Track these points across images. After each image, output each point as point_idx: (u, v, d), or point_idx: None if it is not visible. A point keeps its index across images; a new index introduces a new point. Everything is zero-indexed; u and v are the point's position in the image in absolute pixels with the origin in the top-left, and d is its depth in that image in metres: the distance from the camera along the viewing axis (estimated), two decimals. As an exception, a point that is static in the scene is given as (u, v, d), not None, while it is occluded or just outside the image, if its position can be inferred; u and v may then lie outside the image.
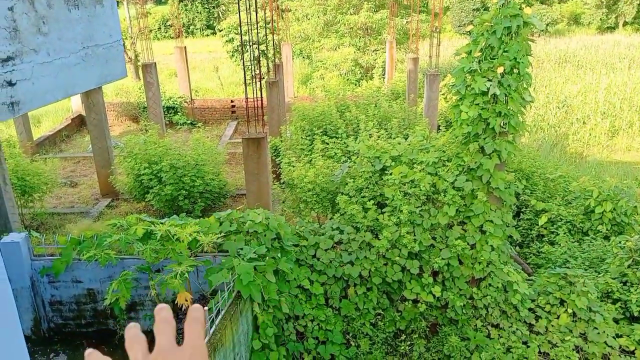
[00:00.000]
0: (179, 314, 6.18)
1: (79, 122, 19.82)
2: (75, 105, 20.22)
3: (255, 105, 8.93)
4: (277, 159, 11.07)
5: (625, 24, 40.16)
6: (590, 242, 9.06)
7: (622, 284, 7.61)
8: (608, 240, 8.75)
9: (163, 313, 0.92)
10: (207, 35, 41.83)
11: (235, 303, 6.03)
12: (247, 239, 6.73)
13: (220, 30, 28.35)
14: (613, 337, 6.99)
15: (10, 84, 2.40)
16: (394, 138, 9.52)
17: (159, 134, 13.19)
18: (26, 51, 2.48)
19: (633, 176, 12.55)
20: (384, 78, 23.54)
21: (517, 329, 7.19)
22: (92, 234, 6.73)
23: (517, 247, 9.80)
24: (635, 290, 7.34)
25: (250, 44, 9.87)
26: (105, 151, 12.89)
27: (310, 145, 11.38)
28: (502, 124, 6.73)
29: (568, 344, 6.90)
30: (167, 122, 19.15)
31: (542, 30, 35.84)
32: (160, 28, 40.75)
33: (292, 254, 7.04)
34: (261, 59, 11.93)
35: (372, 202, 7.61)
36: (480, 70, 6.66)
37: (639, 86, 24.70)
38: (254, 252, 6.33)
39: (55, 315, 7.16)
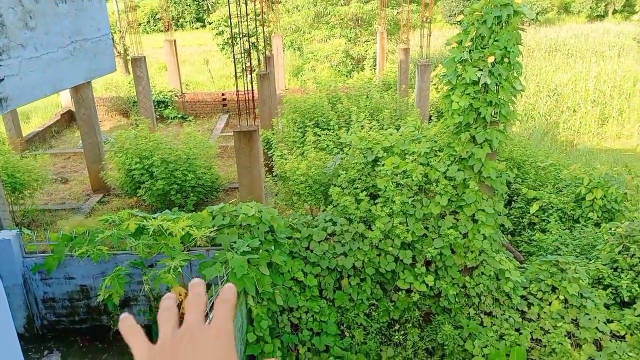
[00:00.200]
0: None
1: (68, 118, 19.67)
2: (64, 100, 20.03)
3: (247, 98, 8.90)
4: (269, 152, 11.05)
5: (614, 12, 40.35)
6: (581, 229, 9.14)
7: (612, 270, 7.69)
8: (599, 227, 8.83)
9: (196, 288, 0.90)
10: (197, 28, 41.56)
11: (229, 296, 6.02)
12: (240, 232, 6.72)
13: (210, 23, 28.17)
14: (604, 322, 7.07)
15: (-2, 79, 2.37)
16: (386, 129, 9.52)
17: (150, 129, 13.11)
18: (13, 46, 2.45)
19: (623, 163, 12.65)
20: (375, 69, 23.51)
21: (509, 317, 7.25)
22: (84, 230, 6.70)
23: (509, 236, 9.87)
24: (626, 276, 7.42)
25: (241, 36, 9.82)
26: (95, 146, 12.80)
27: (302, 137, 11.36)
28: (493, 113, 6.75)
29: (560, 330, 6.97)
30: (158, 117, 19.03)
31: (533, 19, 35.88)
32: (149, 21, 40.42)
33: (285, 247, 7.04)
34: (252, 51, 11.86)
35: (364, 193, 7.63)
36: (471, 59, 6.67)
37: (629, 74, 24.85)
38: (247, 246, 6.33)
39: (49, 312, 7.13)
